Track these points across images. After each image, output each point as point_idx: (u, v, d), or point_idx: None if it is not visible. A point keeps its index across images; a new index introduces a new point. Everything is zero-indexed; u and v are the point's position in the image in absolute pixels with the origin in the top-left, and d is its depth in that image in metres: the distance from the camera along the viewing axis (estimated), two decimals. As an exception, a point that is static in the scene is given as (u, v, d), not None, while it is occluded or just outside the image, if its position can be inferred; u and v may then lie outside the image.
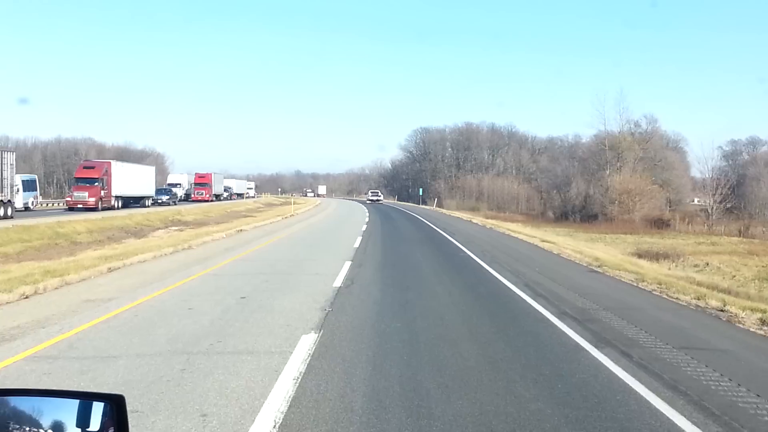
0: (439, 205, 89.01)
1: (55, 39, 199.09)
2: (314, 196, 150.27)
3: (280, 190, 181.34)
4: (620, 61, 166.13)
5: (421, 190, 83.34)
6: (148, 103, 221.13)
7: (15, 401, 1.72)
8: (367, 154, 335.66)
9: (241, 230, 27.18)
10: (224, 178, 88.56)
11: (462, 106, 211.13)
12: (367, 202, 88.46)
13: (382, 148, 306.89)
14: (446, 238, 24.32)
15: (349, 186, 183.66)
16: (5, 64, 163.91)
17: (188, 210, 49.09)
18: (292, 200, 56.31)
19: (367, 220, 38.03)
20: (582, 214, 79.31)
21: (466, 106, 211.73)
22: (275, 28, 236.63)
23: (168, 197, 50.95)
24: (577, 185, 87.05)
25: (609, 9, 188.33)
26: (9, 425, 1.66)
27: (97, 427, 1.69)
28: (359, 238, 22.61)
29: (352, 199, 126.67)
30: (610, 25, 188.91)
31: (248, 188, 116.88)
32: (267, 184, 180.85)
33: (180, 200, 62.65)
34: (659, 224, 60.75)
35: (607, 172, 72.85)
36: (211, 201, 61.92)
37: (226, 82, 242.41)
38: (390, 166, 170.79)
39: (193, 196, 62.25)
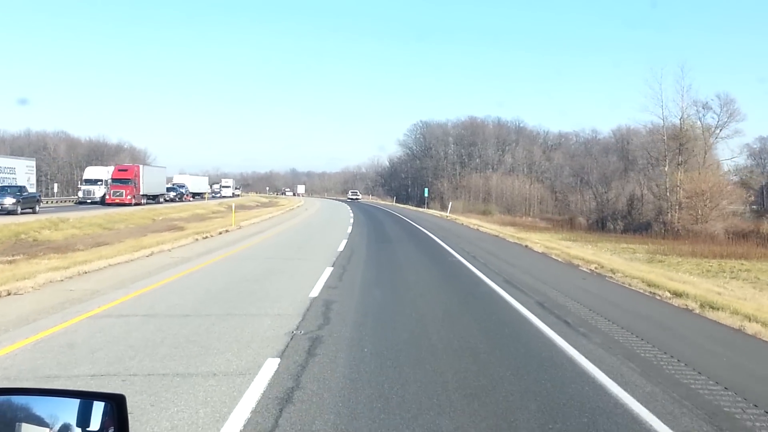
0: (441, 207, 71.92)
1: (46, 34, 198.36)
2: (293, 195, 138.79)
3: (268, 188, 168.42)
4: (620, 61, 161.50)
5: (426, 190, 66.25)
6: (144, 103, 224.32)
7: (15, 400, 1.72)
8: (365, 152, 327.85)
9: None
10: (175, 173, 71.58)
11: (463, 104, 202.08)
12: (347, 200, 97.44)
13: (382, 148, 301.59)
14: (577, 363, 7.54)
15: (344, 185, 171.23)
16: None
17: (82, 219, 32.29)
18: (232, 206, 39.21)
19: (344, 243, 21.39)
20: (627, 222, 62.72)
21: (467, 104, 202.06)
22: (272, 26, 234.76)
23: (15, 201, 32.42)
24: (619, 185, 70.41)
25: (609, 9, 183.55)
26: (9, 424, 1.64)
27: (98, 427, 1.68)
28: (276, 360, 6.16)
29: (344, 200, 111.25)
30: (610, 24, 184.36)
31: (223, 186, 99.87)
32: (260, 183, 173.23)
33: (96, 202, 45.63)
34: (756, 239, 44.01)
35: (666, 168, 56.26)
36: (139, 204, 44.69)
37: (223, 81, 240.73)
38: (388, 164, 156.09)
39: (108, 197, 44.54)
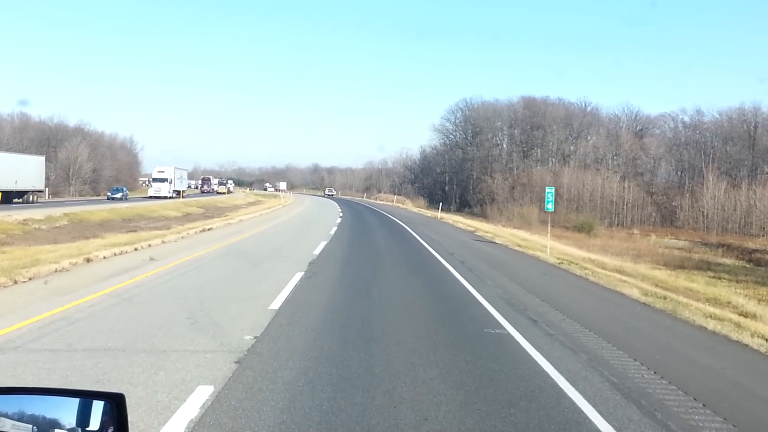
0: (499, 214, 34.42)
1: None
2: (276, 191, 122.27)
3: (267, 185, 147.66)
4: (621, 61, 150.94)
5: (551, 193, 25.79)
6: (152, 98, 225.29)
7: (15, 400, 1.70)
8: (392, 148, 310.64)
9: None
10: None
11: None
12: (326, 196, 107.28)
13: (382, 148, 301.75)
14: None
15: (366, 182, 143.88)
16: None
17: None
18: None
19: None
20: None
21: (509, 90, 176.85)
22: (278, 22, 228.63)
23: None
24: None
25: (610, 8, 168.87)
26: (9, 424, 1.63)
27: (97, 426, 1.67)
28: None
29: (357, 201, 77.00)
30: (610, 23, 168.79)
31: (156, 179, 62.63)
32: (276, 178, 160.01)
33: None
34: None
35: None
36: None
37: (245, 76, 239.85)
38: (419, 156, 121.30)
39: None
